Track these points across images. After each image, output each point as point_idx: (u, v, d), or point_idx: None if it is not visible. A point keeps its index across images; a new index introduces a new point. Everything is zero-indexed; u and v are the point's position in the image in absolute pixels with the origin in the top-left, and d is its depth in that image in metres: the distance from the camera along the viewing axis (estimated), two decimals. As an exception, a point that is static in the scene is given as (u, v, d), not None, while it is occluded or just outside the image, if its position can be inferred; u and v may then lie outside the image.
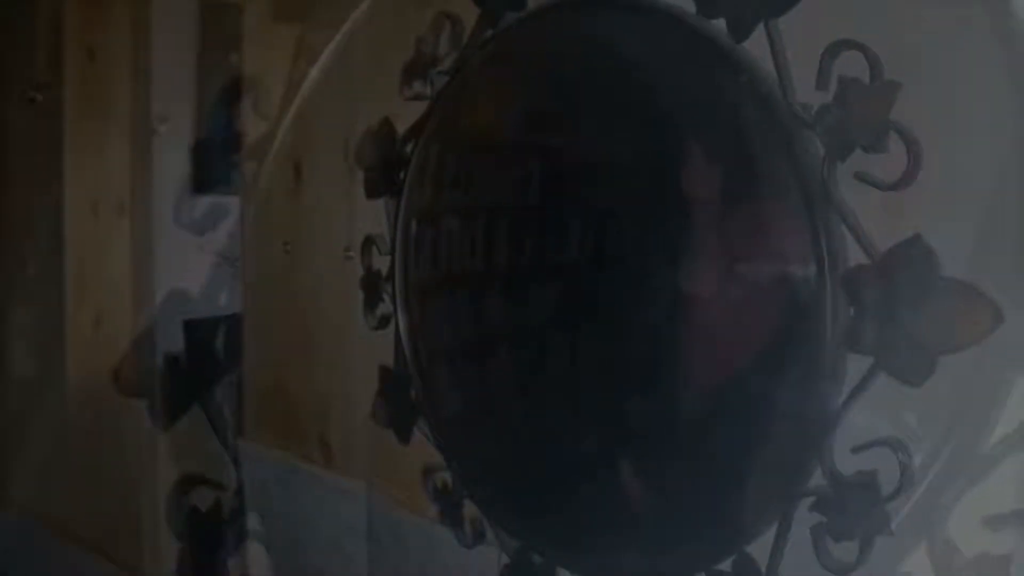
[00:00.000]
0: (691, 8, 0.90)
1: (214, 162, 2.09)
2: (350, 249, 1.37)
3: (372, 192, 1.28)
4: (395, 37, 1.27)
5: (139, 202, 2.08)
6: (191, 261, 2.05)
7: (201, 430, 1.92)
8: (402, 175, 1.23)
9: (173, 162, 2.09)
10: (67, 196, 2.25)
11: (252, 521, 1.77)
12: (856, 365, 0.81)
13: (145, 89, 2.08)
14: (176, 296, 1.99)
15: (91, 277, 2.21)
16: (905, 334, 0.77)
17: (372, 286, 1.29)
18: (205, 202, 1.99)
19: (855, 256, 0.81)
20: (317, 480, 1.51)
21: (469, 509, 1.19)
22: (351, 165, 1.35)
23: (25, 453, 2.27)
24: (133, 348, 2.01)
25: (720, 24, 0.88)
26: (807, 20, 0.83)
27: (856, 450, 0.81)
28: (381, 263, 1.28)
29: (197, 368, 2.04)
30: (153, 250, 2.08)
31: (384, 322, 1.28)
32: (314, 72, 1.76)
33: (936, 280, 0.76)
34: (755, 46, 0.86)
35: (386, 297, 1.27)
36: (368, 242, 1.29)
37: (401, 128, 1.24)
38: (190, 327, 2.09)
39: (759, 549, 0.89)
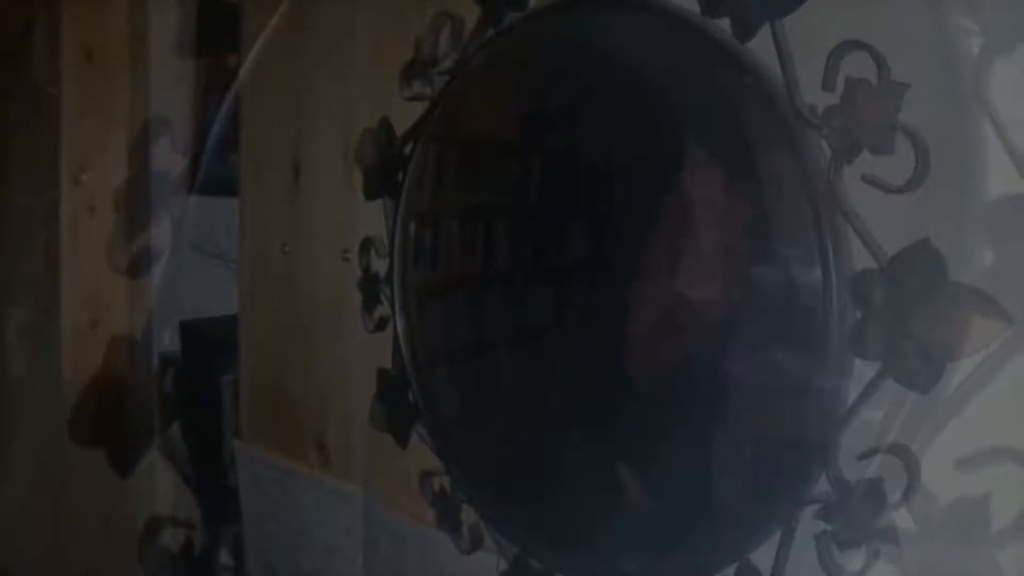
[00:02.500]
0: (695, 8, 0.89)
1: (211, 163, 2.09)
2: (348, 251, 1.36)
3: (371, 193, 1.27)
4: (395, 36, 1.26)
5: (136, 203, 2.08)
6: (188, 262, 2.05)
7: (162, 471, 1.94)
8: (401, 176, 1.22)
9: (169, 162, 2.09)
10: (64, 197, 2.24)
11: (224, 556, 1.79)
12: (862, 371, 0.80)
13: (144, 90, 2.07)
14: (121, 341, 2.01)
15: (88, 278, 2.20)
16: (912, 340, 0.76)
17: (370, 288, 1.28)
18: (139, 244, 2.02)
19: (862, 260, 0.80)
20: (314, 483, 1.50)
21: (467, 514, 1.18)
22: (350, 166, 1.33)
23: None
24: (87, 395, 2.01)
25: (724, 24, 0.87)
26: (813, 20, 0.82)
27: (862, 457, 0.80)
28: (380, 265, 1.27)
29: (194, 369, 2.04)
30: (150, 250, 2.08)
31: (382, 324, 1.27)
32: (231, 97, 1.79)
33: (944, 285, 0.75)
34: (760, 46, 0.85)
35: (384, 299, 1.26)
36: (367, 244, 1.29)
37: (400, 128, 1.23)
38: (186, 328, 2.09)
39: (762, 557, 0.88)
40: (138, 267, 2.05)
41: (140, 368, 2.02)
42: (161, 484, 1.97)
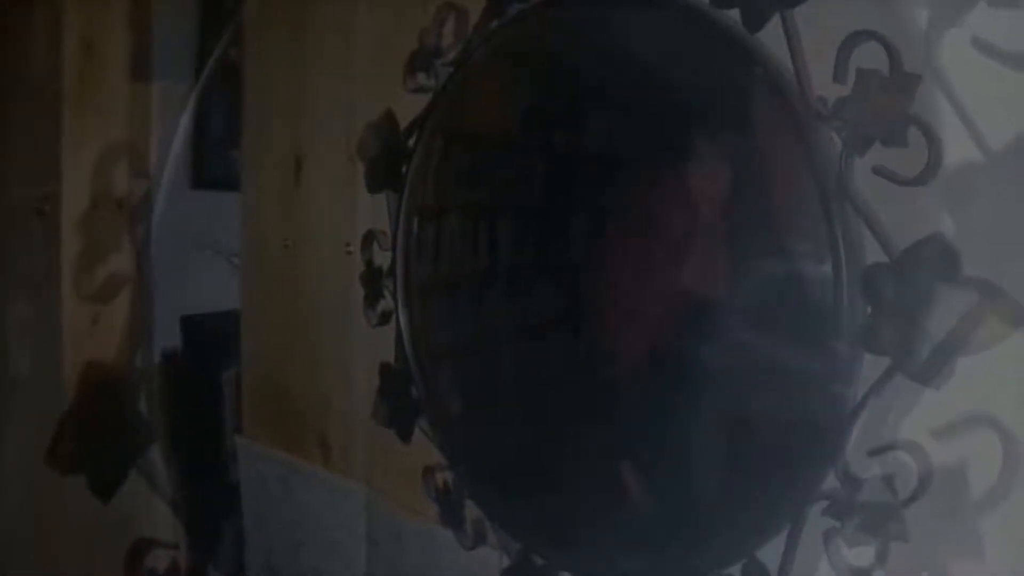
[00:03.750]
0: (704, -2, 0.88)
1: (213, 157, 2.08)
2: (351, 244, 1.35)
3: (374, 186, 1.26)
4: (398, 29, 1.25)
5: (138, 198, 2.08)
6: (189, 257, 2.04)
7: (144, 494, 1.94)
8: (404, 169, 1.21)
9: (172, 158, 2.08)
10: (65, 192, 2.23)
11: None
12: (872, 366, 0.79)
13: (144, 83, 2.07)
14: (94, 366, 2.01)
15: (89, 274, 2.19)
16: (923, 334, 0.75)
17: (373, 282, 1.27)
18: (103, 271, 2.03)
19: (873, 254, 0.79)
20: (316, 479, 1.49)
21: (470, 510, 1.17)
22: (352, 158, 1.33)
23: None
24: (66, 423, 2.01)
25: (734, 15, 0.86)
26: (824, 10, 0.81)
27: (872, 453, 0.79)
28: (382, 259, 1.26)
29: (195, 364, 2.03)
30: (153, 247, 2.07)
31: (385, 319, 1.26)
32: (184, 121, 1.81)
33: (956, 279, 0.74)
34: (770, 38, 0.84)
35: (387, 293, 1.25)
36: (369, 237, 1.28)
37: (404, 121, 1.22)
38: (188, 324, 2.08)
39: (770, 554, 0.87)
40: (106, 293, 2.07)
41: (117, 390, 2.03)
42: (146, 506, 1.97)
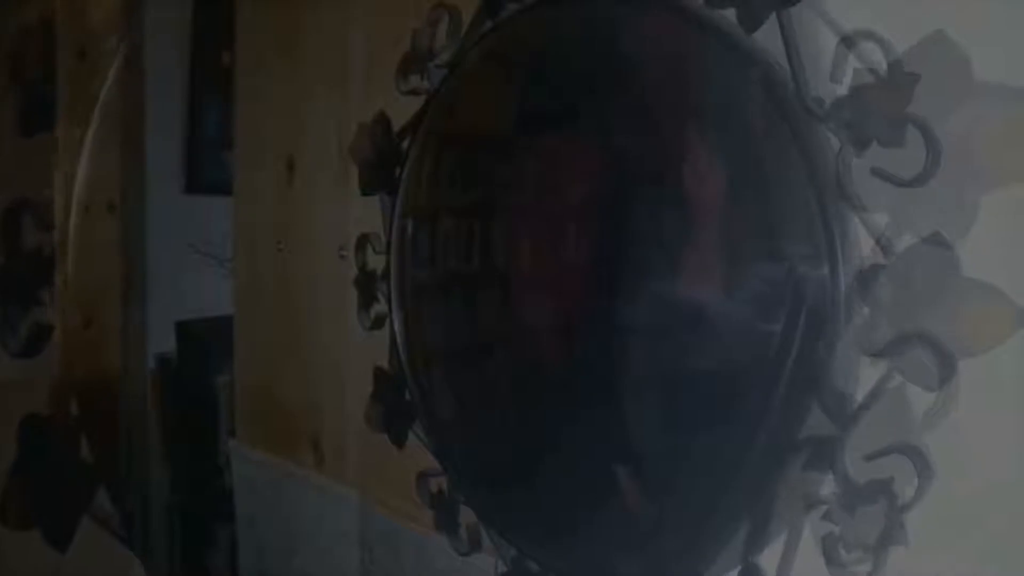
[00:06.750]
0: (699, -2, 0.88)
1: (206, 162, 2.08)
2: (344, 248, 1.34)
3: (367, 189, 1.25)
4: (391, 31, 1.24)
5: (130, 202, 2.07)
6: (182, 262, 2.04)
7: (99, 539, 1.94)
8: (398, 172, 1.20)
9: (164, 162, 2.08)
10: (57, 196, 2.23)
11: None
12: (870, 369, 0.78)
13: (136, 88, 2.06)
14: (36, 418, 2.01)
15: (82, 277, 2.18)
16: (922, 337, 0.74)
17: (367, 286, 1.27)
18: (29, 322, 2.05)
19: (870, 255, 0.78)
20: (309, 484, 1.49)
21: (465, 515, 1.16)
22: (346, 161, 1.32)
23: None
24: (11, 481, 2.01)
25: (730, 15, 0.85)
26: (821, 10, 0.80)
27: (870, 457, 0.79)
28: (376, 262, 1.25)
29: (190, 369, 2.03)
30: (144, 251, 2.07)
31: (379, 323, 1.25)
32: (82, 167, 1.81)
33: (956, 281, 0.73)
34: (766, 37, 0.83)
35: (381, 297, 1.25)
36: (363, 241, 1.27)
37: (397, 123, 1.21)
38: (182, 328, 2.08)
39: (768, 560, 0.86)
40: (30, 348, 2.08)
41: (57, 441, 2.03)
42: (100, 551, 1.98)
